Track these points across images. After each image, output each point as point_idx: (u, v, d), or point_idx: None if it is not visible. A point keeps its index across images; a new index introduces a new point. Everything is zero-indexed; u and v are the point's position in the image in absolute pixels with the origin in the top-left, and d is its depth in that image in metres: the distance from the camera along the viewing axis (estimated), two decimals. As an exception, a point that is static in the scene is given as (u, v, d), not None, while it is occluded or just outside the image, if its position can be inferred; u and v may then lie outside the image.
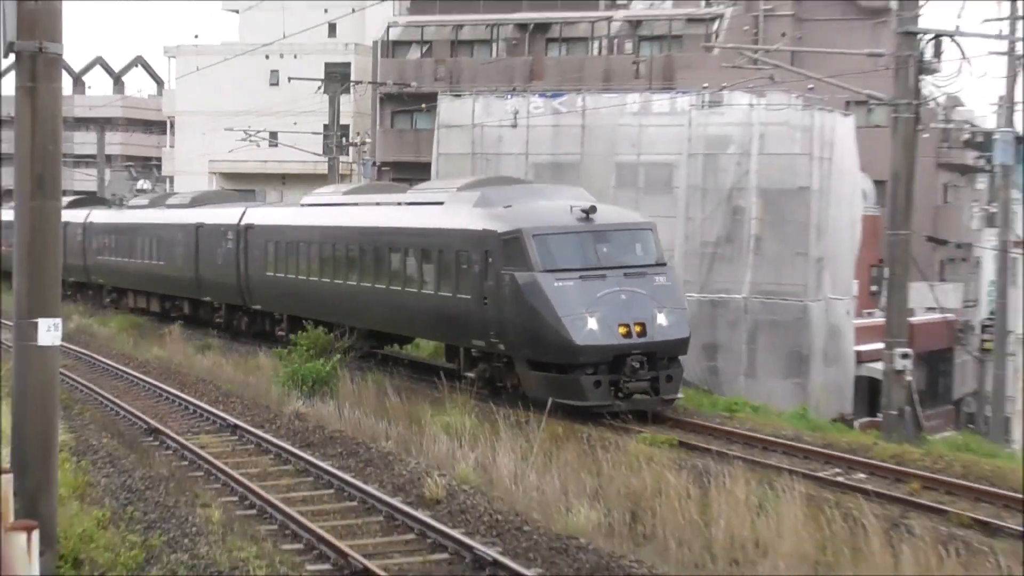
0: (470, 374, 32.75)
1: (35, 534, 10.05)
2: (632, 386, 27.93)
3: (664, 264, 31.50)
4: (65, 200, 69.35)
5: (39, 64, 15.52)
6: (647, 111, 55.57)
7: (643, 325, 28.11)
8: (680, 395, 30.76)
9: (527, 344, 29.59)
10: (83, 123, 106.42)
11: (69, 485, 19.38)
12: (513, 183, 38.84)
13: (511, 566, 17.60)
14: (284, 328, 43.92)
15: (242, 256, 45.73)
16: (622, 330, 27.89)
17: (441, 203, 35.61)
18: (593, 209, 30.19)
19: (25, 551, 9.64)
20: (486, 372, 32.30)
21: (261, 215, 46.60)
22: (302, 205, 46.49)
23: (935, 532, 19.29)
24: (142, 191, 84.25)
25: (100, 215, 64.12)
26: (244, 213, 46.50)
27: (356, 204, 41.73)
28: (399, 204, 39.56)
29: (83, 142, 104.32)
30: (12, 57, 15.63)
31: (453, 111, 60.23)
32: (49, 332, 15.67)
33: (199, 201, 54.17)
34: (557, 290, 28.06)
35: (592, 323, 27.63)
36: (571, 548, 18.77)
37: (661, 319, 28.43)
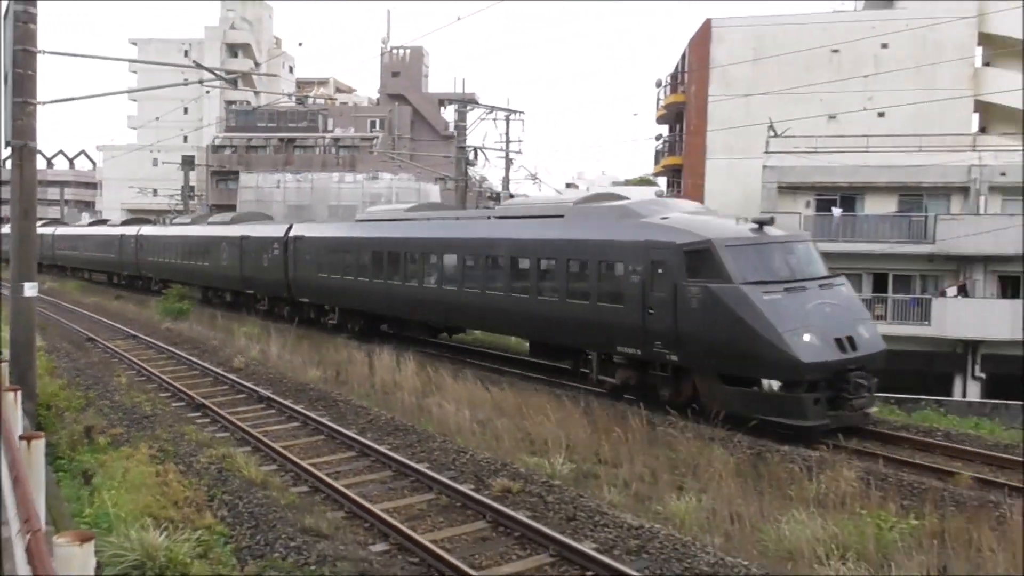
0: (612, 380, 17.02)
1: (19, 394, 9.18)
2: (857, 403, 14.06)
3: (839, 275, 16.25)
4: (120, 217, 62.68)
5: (25, 153, 14.35)
6: (343, 181, 55.12)
7: (851, 338, 14.32)
8: (875, 408, 15.57)
9: (724, 358, 14.56)
10: (51, 184, 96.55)
11: (43, 368, 17.78)
12: (615, 197, 19.95)
13: (275, 398, 17.08)
14: (334, 318, 27.74)
15: (290, 261, 29.51)
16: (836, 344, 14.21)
17: (561, 216, 18.83)
18: (770, 221, 16.01)
19: (13, 403, 8.77)
20: (631, 379, 16.64)
21: (307, 229, 29.82)
22: (357, 220, 28.22)
23: (481, 370, 19.46)
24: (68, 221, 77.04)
25: (149, 230, 45.43)
26: (290, 228, 30.89)
27: (428, 219, 24.16)
28: (488, 219, 21.81)
29: (54, 194, 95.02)
30: (9, 150, 14.44)
31: (247, 180, 58.28)
32: (31, 289, 14.47)
33: (238, 219, 38.09)
34: (768, 303, 14.11)
35: (810, 337, 13.92)
36: (307, 389, 18.36)
37: (862, 331, 14.63)
